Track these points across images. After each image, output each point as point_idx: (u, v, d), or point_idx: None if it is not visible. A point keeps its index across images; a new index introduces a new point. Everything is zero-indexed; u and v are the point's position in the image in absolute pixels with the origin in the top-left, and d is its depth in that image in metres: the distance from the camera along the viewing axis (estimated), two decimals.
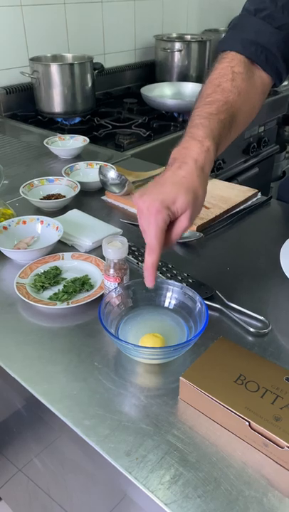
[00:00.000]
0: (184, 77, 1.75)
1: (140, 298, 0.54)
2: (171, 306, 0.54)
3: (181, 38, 1.84)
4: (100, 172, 0.87)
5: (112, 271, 0.54)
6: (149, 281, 0.51)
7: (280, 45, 0.65)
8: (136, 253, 0.69)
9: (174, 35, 1.87)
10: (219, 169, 1.57)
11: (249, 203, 0.86)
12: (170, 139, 1.31)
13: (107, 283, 0.55)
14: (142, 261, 0.66)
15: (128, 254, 0.66)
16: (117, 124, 1.37)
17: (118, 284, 0.54)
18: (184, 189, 0.51)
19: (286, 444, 0.38)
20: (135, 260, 0.67)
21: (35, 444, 0.71)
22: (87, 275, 0.64)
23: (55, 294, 0.60)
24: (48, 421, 0.50)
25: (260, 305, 0.59)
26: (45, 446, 0.68)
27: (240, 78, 0.63)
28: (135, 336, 0.51)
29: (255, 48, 0.65)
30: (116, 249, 0.53)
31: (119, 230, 0.76)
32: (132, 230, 0.77)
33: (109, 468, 0.40)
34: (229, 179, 1.65)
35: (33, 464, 0.75)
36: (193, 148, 0.54)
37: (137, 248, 0.70)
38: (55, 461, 0.68)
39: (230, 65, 0.64)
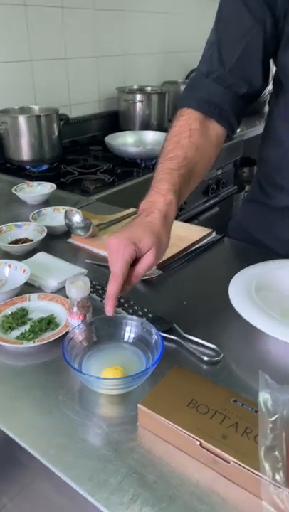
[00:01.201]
0: (145, 125, 1.87)
1: (102, 334, 0.59)
2: (131, 340, 0.59)
3: (142, 89, 1.98)
4: (66, 217, 0.93)
5: (75, 309, 0.59)
6: (108, 310, 0.57)
7: (230, 102, 0.76)
8: (100, 291, 0.73)
9: (135, 87, 2.01)
10: (181, 209, 1.66)
11: (204, 241, 0.93)
12: (133, 183, 1.39)
13: (71, 320, 0.59)
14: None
15: (92, 293, 0.71)
16: (83, 171, 1.45)
17: (81, 321, 0.58)
18: (149, 231, 0.59)
19: (232, 459, 0.43)
20: (99, 298, 0.72)
21: (7, 485, 0.72)
22: (52, 314, 0.68)
23: (22, 333, 0.64)
24: (19, 457, 0.52)
25: (214, 335, 0.64)
26: (20, 488, 0.69)
27: (196, 134, 0.73)
28: (97, 370, 0.55)
29: (208, 106, 0.75)
30: (78, 288, 0.57)
31: (84, 270, 0.81)
32: (96, 270, 0.82)
33: (73, 493, 0.43)
34: (191, 219, 1.74)
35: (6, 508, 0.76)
36: (157, 201, 0.64)
37: (101, 286, 0.75)
38: (27, 503, 0.69)
39: (187, 123, 0.74)
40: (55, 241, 0.94)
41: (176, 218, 0.67)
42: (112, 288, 0.56)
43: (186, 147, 0.71)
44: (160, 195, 0.64)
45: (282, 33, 0.70)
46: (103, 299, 0.71)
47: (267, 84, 0.77)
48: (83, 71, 1.84)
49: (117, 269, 0.57)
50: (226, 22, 0.74)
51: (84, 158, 1.59)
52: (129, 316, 0.59)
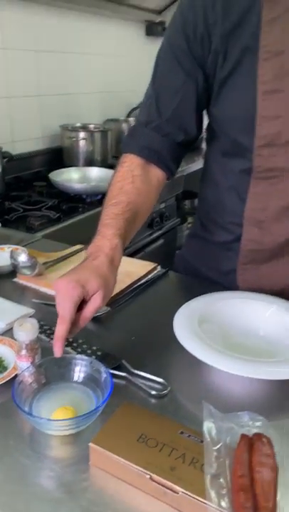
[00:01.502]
0: (89, 161, 1.92)
1: (52, 374, 0.60)
2: (81, 380, 0.60)
3: (85, 127, 2.04)
4: (11, 256, 0.93)
5: (23, 352, 0.59)
6: (57, 352, 0.58)
7: (168, 148, 0.82)
8: (48, 331, 0.74)
9: (79, 124, 2.07)
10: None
11: (150, 276, 0.97)
12: (79, 219, 1.42)
13: (20, 363, 0.59)
14: None
15: (40, 333, 0.71)
16: (28, 207, 1.46)
17: (30, 363, 0.59)
18: (96, 274, 0.62)
19: (180, 489, 0.45)
20: (47, 338, 0.73)
21: None
22: (0, 357, 0.67)
23: None
24: None
25: (161, 369, 0.67)
26: None
27: (138, 180, 0.78)
28: (48, 411, 0.56)
29: (148, 152, 0.81)
30: (27, 331, 0.58)
31: (32, 310, 0.81)
32: (44, 309, 0.83)
33: None
34: (137, 251, 1.79)
35: None
36: (104, 245, 0.67)
37: (49, 327, 0.75)
38: None
39: (130, 169, 0.80)
40: (0, 281, 0.94)
41: (123, 252, 0.71)
42: (60, 330, 0.58)
43: (129, 192, 0.76)
44: (106, 240, 0.68)
45: (212, 88, 0.78)
46: (51, 339, 0.72)
47: (201, 131, 0.85)
48: (26, 109, 1.87)
49: (65, 311, 0.59)
50: (162, 77, 0.81)
51: (28, 194, 1.60)
52: (78, 356, 0.61)
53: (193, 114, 0.81)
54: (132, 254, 1.64)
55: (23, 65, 1.81)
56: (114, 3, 2.06)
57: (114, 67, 2.36)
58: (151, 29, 2.48)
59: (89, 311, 0.61)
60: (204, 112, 0.84)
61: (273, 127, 0.72)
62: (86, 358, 0.60)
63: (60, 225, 1.35)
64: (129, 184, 0.77)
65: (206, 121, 0.86)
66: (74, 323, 0.60)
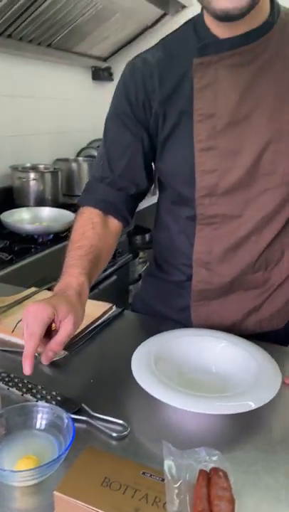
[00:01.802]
0: (40, 201, 1.94)
1: (13, 424, 0.60)
2: (43, 427, 0.61)
3: (35, 168, 2.07)
4: None
5: None
6: (27, 370, 0.61)
7: (122, 200, 0.89)
8: (6, 379, 0.74)
9: (29, 165, 2.10)
10: None
11: (106, 316, 1.00)
12: (32, 260, 1.43)
13: None
14: (13, 386, 0.72)
15: None
16: None
17: None
18: (66, 301, 0.67)
19: None
20: (5, 386, 0.73)
21: None
22: None
23: None
24: None
25: (121, 410, 0.69)
26: None
27: (98, 227, 0.85)
28: (10, 462, 0.56)
29: (105, 204, 0.88)
30: None
31: None
32: (0, 357, 0.83)
33: None
34: (91, 288, 1.80)
35: None
36: (71, 282, 0.72)
37: (6, 374, 0.76)
38: None
39: (89, 217, 0.86)
40: None
41: (89, 291, 0.76)
42: (30, 346, 0.61)
43: (90, 237, 0.82)
44: (73, 278, 0.73)
45: (157, 143, 0.85)
46: (10, 386, 0.73)
47: (152, 183, 0.92)
48: None
49: (35, 328, 0.62)
50: (112, 138, 0.88)
51: None
52: (40, 403, 0.62)
53: (143, 170, 0.88)
54: None
55: None
56: (62, 51, 2.15)
57: (63, 110, 2.44)
58: (98, 74, 2.60)
59: (61, 335, 0.64)
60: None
61: (211, 180, 0.80)
62: (47, 404, 0.62)
63: (13, 267, 1.35)
64: (90, 230, 0.83)
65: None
66: (49, 348, 0.64)
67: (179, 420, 0.67)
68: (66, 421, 0.59)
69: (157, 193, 0.98)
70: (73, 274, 0.74)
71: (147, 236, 2.80)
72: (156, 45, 0.84)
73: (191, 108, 0.78)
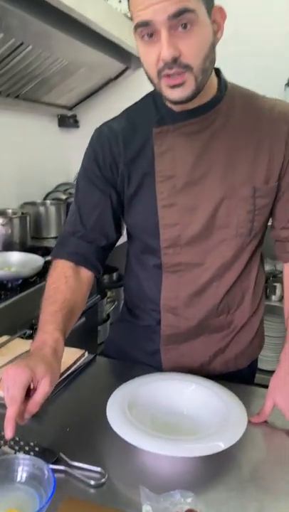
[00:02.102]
0: (8, 245, 1.96)
1: None
2: (23, 480, 0.63)
3: (3, 213, 2.10)
4: None
5: None
6: (8, 434, 0.63)
7: (93, 252, 0.95)
8: None
9: None
10: None
11: (79, 363, 1.03)
12: (3, 306, 1.44)
13: None
14: None
15: None
16: None
17: None
18: (42, 361, 0.71)
19: None
20: None
21: None
22: None
23: None
24: None
25: (98, 457, 0.72)
26: None
27: (71, 280, 0.89)
28: None
29: (77, 257, 0.93)
30: None
31: None
32: None
33: None
34: None
35: None
36: (46, 340, 0.76)
37: None
38: None
39: (62, 271, 0.91)
40: None
41: (64, 344, 0.80)
42: (11, 411, 0.63)
43: (64, 291, 0.87)
44: (48, 335, 0.77)
45: (124, 199, 0.93)
46: None
47: (121, 234, 0.98)
48: None
49: (15, 392, 0.65)
50: (82, 196, 0.95)
51: None
52: (20, 455, 0.64)
53: (112, 223, 0.95)
54: None
55: None
56: (30, 101, 2.24)
57: (30, 155, 2.50)
58: (64, 121, 2.70)
59: (38, 396, 0.67)
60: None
61: (174, 232, 0.88)
62: (28, 456, 0.64)
63: None
64: (63, 284, 0.88)
65: None
66: (25, 410, 0.66)
67: (154, 464, 0.71)
68: (46, 473, 0.61)
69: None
70: (48, 331, 0.78)
71: (115, 275, 2.84)
72: (120, 114, 0.93)
73: (153, 170, 0.87)
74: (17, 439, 0.74)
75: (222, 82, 0.86)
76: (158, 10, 0.68)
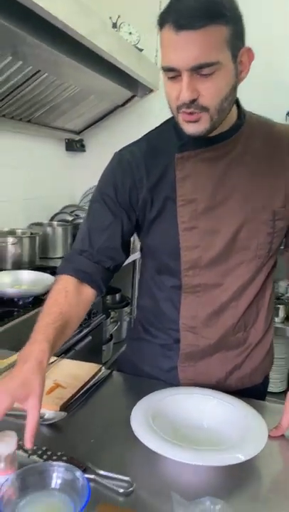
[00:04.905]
0: (17, 264, 1.99)
1: (30, 483, 0.63)
2: (58, 486, 0.65)
3: (12, 232, 2.14)
4: None
5: (2, 465, 0.63)
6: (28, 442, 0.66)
7: (98, 272, 0.97)
8: None
9: (6, 229, 2.17)
10: None
11: (96, 378, 1.05)
12: (15, 323, 1.46)
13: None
14: (18, 448, 0.75)
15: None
16: None
17: (10, 475, 0.63)
18: (22, 382, 0.72)
19: None
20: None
21: None
22: None
23: None
24: None
25: (123, 466, 0.74)
26: None
27: (71, 295, 0.91)
28: None
29: (82, 274, 0.95)
30: (6, 444, 0.63)
31: None
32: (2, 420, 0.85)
33: None
34: (68, 349, 1.83)
35: None
36: (34, 349, 0.78)
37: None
38: None
39: (64, 286, 0.93)
40: None
41: (51, 354, 0.81)
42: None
43: (61, 304, 0.89)
44: (36, 344, 0.79)
45: (143, 224, 0.96)
46: (16, 448, 0.76)
47: (128, 256, 1.01)
48: None
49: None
50: (94, 217, 0.98)
51: None
52: (55, 463, 0.66)
53: (120, 245, 0.97)
54: (64, 352, 1.69)
55: None
56: (40, 125, 2.31)
57: (38, 177, 2.56)
58: (71, 145, 2.78)
59: (31, 423, 0.68)
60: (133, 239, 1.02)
61: (194, 254, 0.92)
62: (62, 464, 0.66)
63: None
64: (63, 298, 0.90)
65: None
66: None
67: (178, 473, 0.73)
68: (81, 480, 0.63)
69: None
70: (37, 341, 0.80)
71: (118, 296, 2.88)
72: (141, 139, 0.97)
73: (174, 194, 0.91)
74: (44, 448, 0.76)
75: (241, 111, 0.92)
76: (182, 60, 0.74)
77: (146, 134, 0.98)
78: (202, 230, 0.91)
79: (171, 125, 0.94)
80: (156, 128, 0.98)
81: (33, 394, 0.71)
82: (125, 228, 0.96)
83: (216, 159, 0.89)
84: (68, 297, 0.91)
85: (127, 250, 1.01)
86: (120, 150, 0.98)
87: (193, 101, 0.77)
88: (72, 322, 0.90)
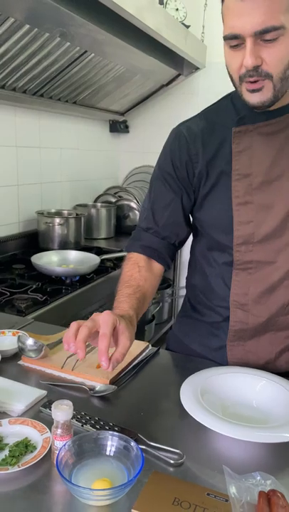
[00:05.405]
0: (64, 244, 2.05)
1: (86, 450, 0.66)
2: (112, 453, 0.67)
3: (59, 213, 2.19)
4: (19, 340, 1.00)
5: (59, 431, 0.66)
6: (105, 365, 0.73)
7: (165, 247, 1.01)
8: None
9: (53, 210, 2.22)
10: None
11: (144, 354, 1.07)
12: (64, 301, 1.51)
13: (57, 442, 0.66)
14: (72, 417, 0.78)
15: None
16: (14, 290, 1.53)
17: (67, 441, 0.66)
18: (123, 318, 0.79)
19: None
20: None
21: None
22: (27, 437, 0.73)
23: (3, 459, 0.68)
24: None
25: (173, 439, 0.75)
26: None
27: (144, 270, 0.97)
28: (86, 484, 0.62)
29: (150, 250, 1.00)
30: (64, 411, 0.66)
31: (44, 392, 0.88)
32: (53, 390, 0.89)
33: None
34: None
35: None
36: (122, 315, 0.83)
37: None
38: None
39: (136, 262, 0.98)
40: (4, 364, 1.00)
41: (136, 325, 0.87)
42: (104, 344, 0.73)
43: (138, 279, 0.94)
44: (123, 311, 0.84)
45: (196, 199, 0.97)
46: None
47: (191, 232, 1.03)
48: (4, 197, 2.00)
49: (106, 329, 0.74)
50: (155, 194, 1.01)
51: (11, 277, 1.68)
52: (110, 432, 0.69)
53: (183, 221, 1.00)
54: None
55: (5, 158, 1.98)
56: (85, 107, 2.33)
57: (83, 159, 2.60)
58: (115, 127, 2.79)
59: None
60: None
61: (247, 229, 0.91)
62: (116, 433, 0.68)
63: (49, 307, 1.43)
64: (137, 273, 0.95)
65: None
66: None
67: (228, 448, 0.74)
68: (135, 449, 0.65)
69: None
70: (124, 309, 0.86)
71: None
72: (198, 114, 0.97)
73: (229, 168, 0.90)
74: (97, 418, 0.79)
75: None
76: (248, 25, 0.73)
77: (204, 110, 0.98)
78: (256, 205, 0.90)
79: (229, 100, 0.93)
80: (214, 104, 0.98)
81: (129, 332, 0.79)
82: (185, 204, 0.99)
83: (273, 134, 0.87)
84: (142, 272, 0.96)
85: (189, 225, 1.03)
86: (178, 125, 0.99)
87: (256, 68, 0.76)
88: (148, 295, 0.96)
